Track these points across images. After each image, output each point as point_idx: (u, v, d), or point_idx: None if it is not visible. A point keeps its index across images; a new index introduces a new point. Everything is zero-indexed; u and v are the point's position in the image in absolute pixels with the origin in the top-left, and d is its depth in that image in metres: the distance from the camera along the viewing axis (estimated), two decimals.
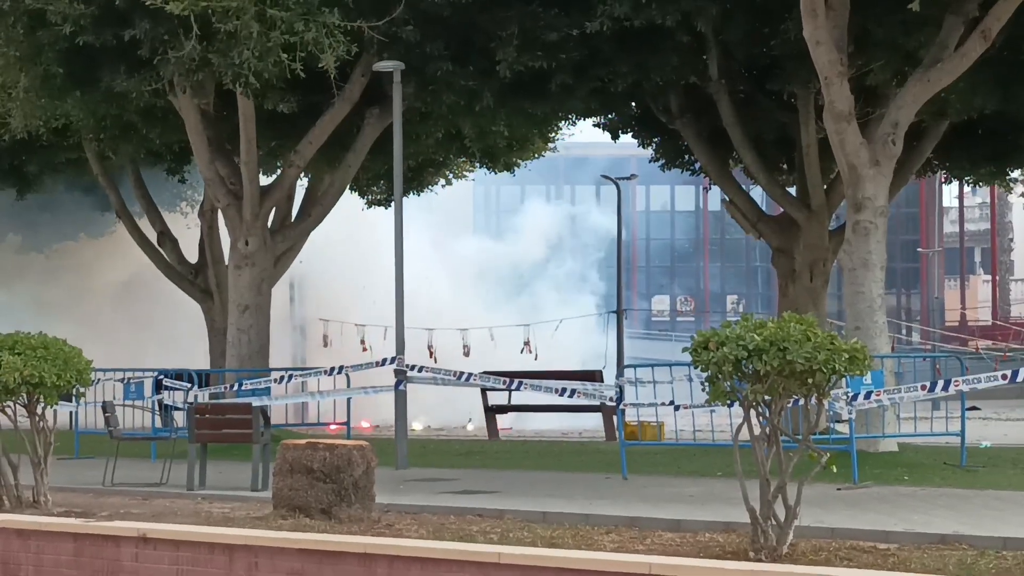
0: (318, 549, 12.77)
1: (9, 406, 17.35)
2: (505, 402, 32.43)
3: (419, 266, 27.38)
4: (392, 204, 35.85)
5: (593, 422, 35.67)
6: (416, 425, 41.77)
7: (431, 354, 47.21)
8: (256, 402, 23.58)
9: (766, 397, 13.08)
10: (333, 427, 30.36)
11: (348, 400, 28.15)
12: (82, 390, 17.70)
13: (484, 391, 31.51)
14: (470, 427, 44.57)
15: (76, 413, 27.12)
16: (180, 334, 44.26)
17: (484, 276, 54.81)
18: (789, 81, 27.02)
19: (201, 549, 13.44)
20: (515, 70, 25.21)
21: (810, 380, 12.92)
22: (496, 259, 55.60)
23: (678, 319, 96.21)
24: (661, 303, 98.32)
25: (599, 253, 54.66)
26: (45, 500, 17.05)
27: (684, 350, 13.53)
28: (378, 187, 37.02)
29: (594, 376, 29.83)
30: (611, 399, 23.45)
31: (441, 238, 55.62)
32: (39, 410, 17.25)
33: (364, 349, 48.97)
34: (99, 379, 23.60)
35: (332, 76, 25.39)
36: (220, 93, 28.52)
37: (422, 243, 47.78)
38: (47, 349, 16.96)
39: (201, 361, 34.36)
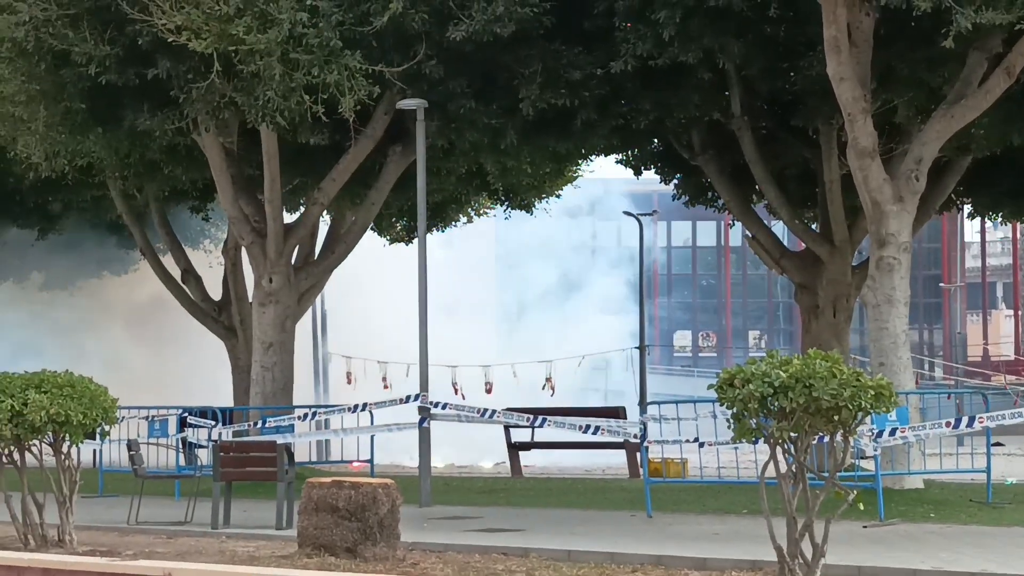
0: None
1: (35, 444, 17.35)
2: (528, 439, 32.42)
3: (442, 302, 27.36)
4: (413, 240, 36.08)
5: (616, 459, 35.60)
6: (438, 463, 41.77)
7: (456, 391, 47.16)
8: (280, 440, 23.57)
9: (792, 434, 13.05)
10: (355, 464, 30.34)
11: (372, 437, 28.14)
12: (107, 428, 17.69)
13: (507, 428, 31.50)
14: (487, 465, 44.51)
15: (100, 451, 27.16)
16: (203, 371, 44.29)
17: (506, 312, 54.83)
18: (812, 117, 27.00)
19: None
20: (538, 107, 25.24)
21: (836, 417, 12.90)
22: (518, 294, 55.63)
23: (700, 355, 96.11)
24: (683, 339, 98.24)
25: (621, 290, 54.67)
26: (70, 539, 17.05)
27: (710, 387, 13.51)
28: (400, 223, 37.08)
29: (617, 413, 29.81)
30: (635, 436, 23.41)
31: (463, 274, 55.65)
32: (65, 448, 17.25)
33: (385, 387, 48.95)
34: (123, 417, 23.60)
35: (351, 119, 25.50)
36: (243, 131, 28.61)
37: (442, 279, 47.77)
38: (73, 387, 16.99)
39: (225, 399, 34.40)
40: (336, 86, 24.04)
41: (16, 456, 17.33)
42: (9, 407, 16.62)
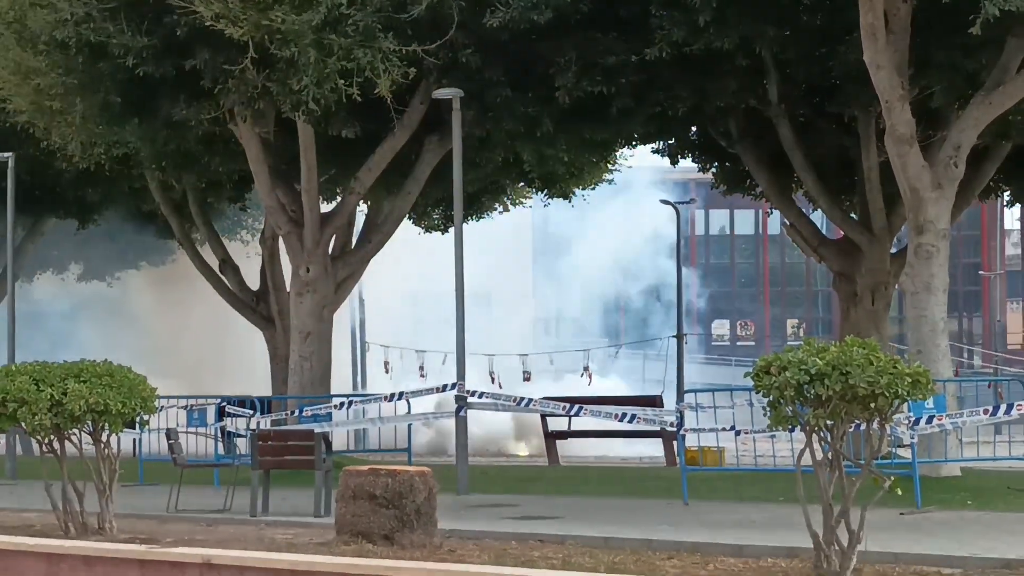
0: (381, 575, 12.78)
1: (75, 433, 17.46)
2: (565, 427, 32.42)
3: (479, 291, 27.37)
4: (449, 229, 36.11)
5: (652, 448, 35.61)
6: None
7: (493, 379, 47.20)
8: (318, 429, 23.65)
9: (828, 422, 13.04)
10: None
11: (409, 426, 28.19)
12: (146, 418, 17.79)
13: (544, 417, 31.51)
14: (523, 451, 44.56)
15: (139, 440, 27.31)
16: (241, 362, 44.46)
17: (543, 301, 54.89)
18: (849, 104, 26.94)
19: (266, 575, 13.48)
20: (574, 96, 25.25)
21: (872, 405, 12.88)
22: (554, 284, 55.68)
23: (738, 343, 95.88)
24: (721, 328, 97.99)
25: (658, 278, 54.68)
26: (110, 527, 17.15)
27: (746, 375, 13.50)
28: (436, 213, 37.11)
29: (654, 401, 29.81)
30: (672, 424, 23.41)
31: (500, 263, 55.68)
32: (104, 437, 17.35)
33: (422, 375, 49.05)
34: (162, 406, 23.72)
35: (389, 100, 25.51)
36: (280, 121, 28.69)
37: (479, 268, 47.99)
38: (112, 377, 17.09)
39: (263, 388, 34.51)
40: (371, 68, 24.07)
41: (56, 445, 17.44)
42: (49, 396, 16.74)
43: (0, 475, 30.45)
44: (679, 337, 47.77)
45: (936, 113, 25.43)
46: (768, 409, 13.30)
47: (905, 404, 13.93)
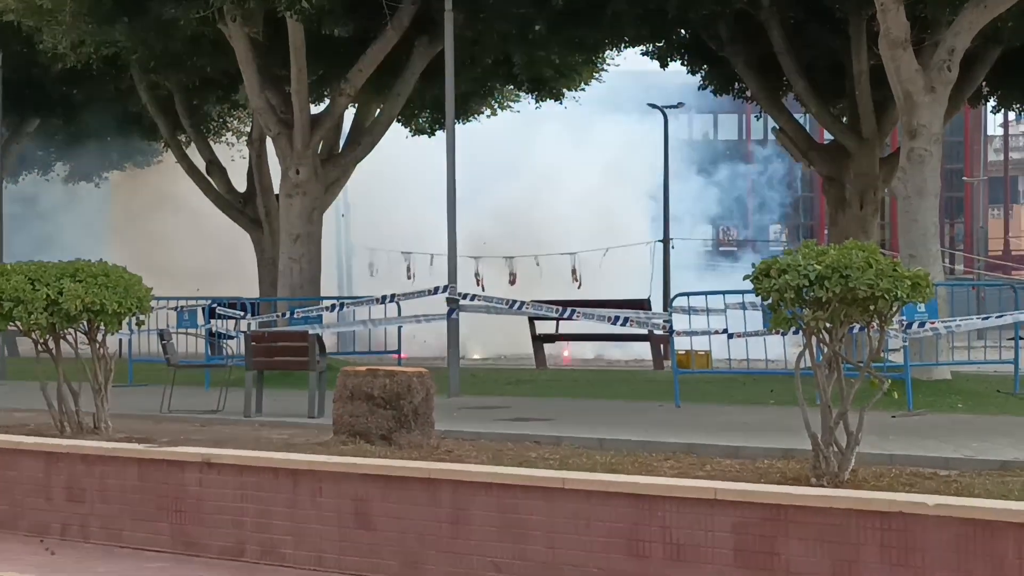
0: (382, 474, 12.85)
1: (70, 333, 17.43)
2: (551, 331, 32.51)
3: (462, 194, 27.41)
4: (436, 133, 36.04)
5: (635, 351, 35.73)
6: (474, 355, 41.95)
7: (478, 283, 47.22)
8: (312, 330, 23.67)
9: (827, 324, 13.06)
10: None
11: (399, 329, 28.24)
12: (142, 318, 17.75)
13: (532, 320, 31.58)
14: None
15: (130, 341, 27.32)
16: (228, 263, 44.40)
17: (530, 205, 54.76)
18: (842, 7, 26.82)
19: (265, 474, 13.54)
20: None
21: (872, 307, 12.88)
22: (540, 189, 55.51)
23: (720, 249, 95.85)
24: (703, 233, 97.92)
25: (643, 182, 54.55)
26: (106, 426, 17.14)
27: (745, 277, 13.50)
28: (424, 116, 36.97)
29: (642, 304, 29.89)
30: (663, 328, 23.47)
31: (487, 166, 55.47)
32: (99, 337, 17.33)
33: (409, 278, 49.07)
34: (152, 308, 23.70)
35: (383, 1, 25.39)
36: (269, 21, 28.49)
37: (466, 172, 47.95)
38: (108, 276, 17.00)
39: (250, 290, 34.50)
40: None
41: (51, 345, 17.41)
42: (45, 296, 16.67)
43: None
44: (665, 242, 47.83)
45: (929, 17, 25.35)
46: (767, 311, 13.31)
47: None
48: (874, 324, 13.15)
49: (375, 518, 12.78)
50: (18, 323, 17.08)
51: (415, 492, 12.60)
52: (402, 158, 44.83)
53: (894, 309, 13.01)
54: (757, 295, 13.31)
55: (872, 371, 13.26)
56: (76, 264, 17.18)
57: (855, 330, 13.82)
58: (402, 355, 29.09)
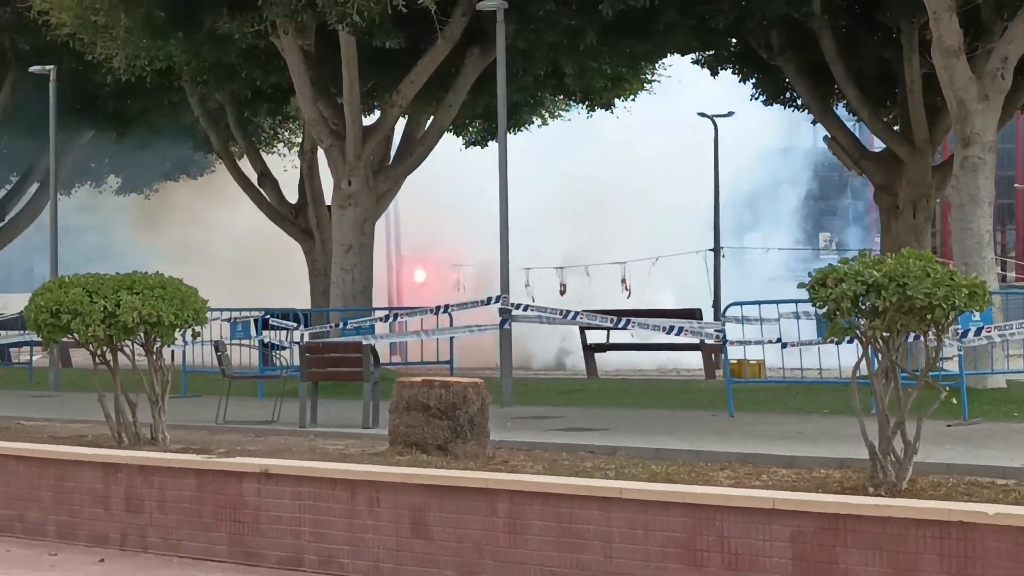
0: (440, 484, 12.92)
1: (127, 345, 17.56)
2: (603, 340, 32.50)
3: (516, 205, 27.54)
4: (488, 144, 36.14)
5: (684, 360, 35.73)
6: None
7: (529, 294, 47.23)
8: (366, 341, 23.76)
9: (884, 333, 13.04)
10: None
11: (451, 339, 28.29)
12: (198, 329, 17.87)
13: (583, 330, 31.59)
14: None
15: (184, 352, 27.48)
16: (279, 274, 44.57)
17: (579, 215, 54.77)
18: (894, 16, 26.76)
19: (323, 484, 13.62)
20: (618, 8, 25.13)
21: (929, 316, 12.86)
22: (592, 196, 55.51)
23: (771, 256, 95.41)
24: (751, 242, 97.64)
25: (696, 190, 54.44)
26: (163, 437, 17.26)
27: (800, 286, 13.49)
28: (474, 126, 37.07)
29: (693, 314, 29.84)
30: (716, 337, 23.43)
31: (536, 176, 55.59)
32: (156, 349, 17.45)
33: (459, 289, 49.15)
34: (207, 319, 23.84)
35: (432, 11, 25.47)
36: (321, 33, 28.63)
37: (515, 181, 48.07)
38: (164, 289, 17.13)
39: (301, 301, 34.64)
40: None
41: (109, 357, 17.54)
42: (102, 308, 16.80)
43: (44, 387, 30.72)
44: (716, 251, 47.76)
45: (983, 24, 25.25)
46: (824, 320, 13.29)
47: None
48: (930, 333, 13.12)
49: (432, 527, 12.85)
50: (75, 335, 17.22)
51: (472, 502, 12.66)
52: (450, 168, 44.93)
53: (951, 318, 12.98)
54: (813, 304, 13.30)
55: (930, 380, 13.24)
56: (133, 276, 17.31)
57: (909, 339, 13.77)
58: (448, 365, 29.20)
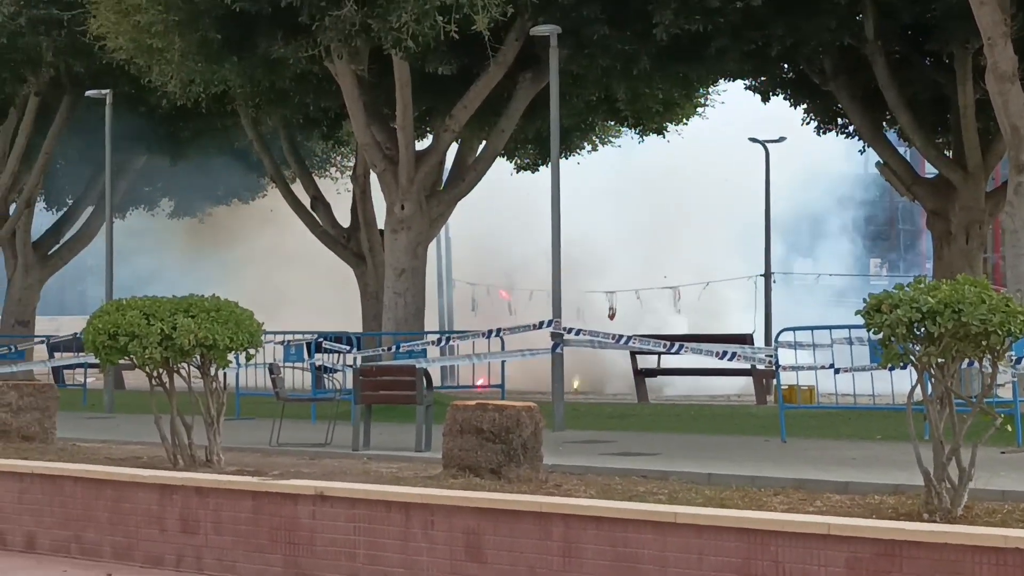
0: (494, 508, 12.98)
1: (183, 367, 17.69)
2: (653, 365, 32.52)
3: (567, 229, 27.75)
4: (539, 168, 36.26)
5: (730, 386, 35.68)
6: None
7: (578, 317, 47.19)
8: (419, 364, 23.85)
9: (939, 359, 13.03)
10: (480, 384, 30.58)
11: (503, 363, 28.36)
12: (252, 352, 17.99)
13: (633, 354, 31.60)
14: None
15: (237, 375, 27.62)
16: (331, 298, 44.72)
17: (629, 239, 54.79)
18: (947, 41, 26.73)
19: (378, 507, 13.70)
20: (672, 33, 25.20)
21: (984, 343, 12.85)
22: (642, 221, 55.52)
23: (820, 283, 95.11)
24: (803, 267, 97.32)
25: (745, 216, 54.34)
26: (218, 459, 17.35)
27: (856, 312, 13.49)
28: (525, 151, 37.17)
29: (744, 339, 29.80)
30: (768, 362, 23.42)
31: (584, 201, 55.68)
32: (212, 371, 17.57)
33: (511, 313, 49.21)
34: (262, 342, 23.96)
35: (486, 37, 25.61)
36: (375, 58, 28.80)
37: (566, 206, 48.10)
38: (220, 312, 17.26)
39: (353, 324, 34.75)
40: (469, 4, 24.18)
41: (165, 379, 17.67)
42: (159, 331, 16.93)
43: (98, 409, 30.92)
44: (767, 276, 47.66)
45: None
46: (878, 346, 13.29)
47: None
48: (985, 359, 13.11)
49: (486, 551, 12.90)
50: (132, 357, 17.36)
51: (527, 525, 12.72)
52: (503, 193, 45.04)
53: (1006, 344, 12.96)
54: (868, 330, 13.30)
55: (985, 407, 13.22)
56: (189, 299, 17.43)
57: (964, 365, 13.75)
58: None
